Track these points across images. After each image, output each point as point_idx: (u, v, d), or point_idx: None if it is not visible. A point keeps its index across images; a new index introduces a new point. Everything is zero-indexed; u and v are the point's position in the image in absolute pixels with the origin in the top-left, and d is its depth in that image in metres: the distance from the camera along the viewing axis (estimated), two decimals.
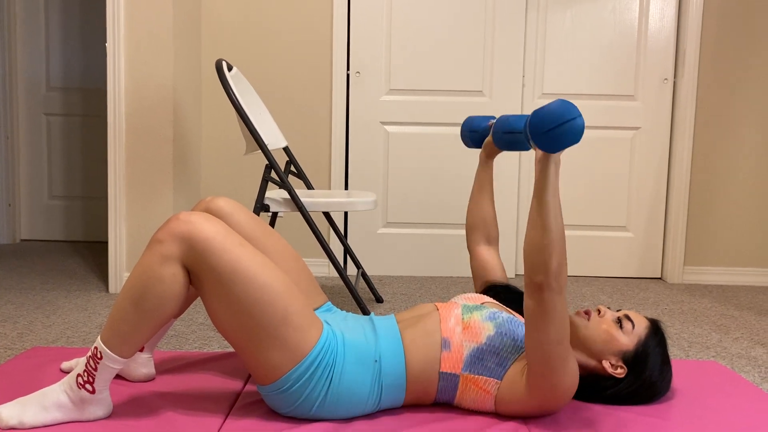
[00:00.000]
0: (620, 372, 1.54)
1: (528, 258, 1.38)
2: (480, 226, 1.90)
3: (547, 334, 1.37)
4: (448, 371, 1.47)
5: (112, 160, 2.79)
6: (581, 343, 1.55)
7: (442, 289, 3.05)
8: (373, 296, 2.82)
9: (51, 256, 3.63)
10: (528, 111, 3.29)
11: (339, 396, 1.44)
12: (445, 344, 1.48)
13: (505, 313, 1.55)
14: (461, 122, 3.28)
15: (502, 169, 3.29)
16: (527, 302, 1.39)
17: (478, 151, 3.30)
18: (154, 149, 2.81)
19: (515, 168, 3.30)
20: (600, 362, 1.55)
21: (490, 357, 1.46)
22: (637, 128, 3.31)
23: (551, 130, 1.33)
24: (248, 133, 2.33)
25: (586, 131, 3.31)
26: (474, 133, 1.90)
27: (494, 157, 1.90)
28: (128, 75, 2.78)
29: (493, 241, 1.90)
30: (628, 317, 1.56)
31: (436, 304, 1.61)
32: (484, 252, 1.88)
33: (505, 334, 1.48)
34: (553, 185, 1.37)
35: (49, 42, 4.02)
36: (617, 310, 1.61)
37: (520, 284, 3.15)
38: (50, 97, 4.05)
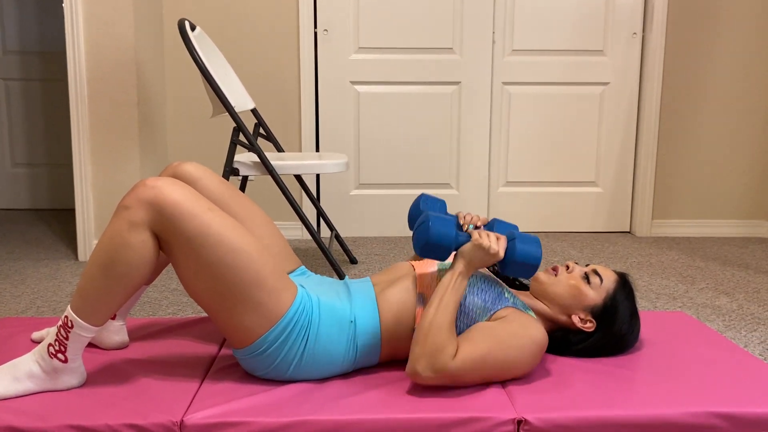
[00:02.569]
0: (589, 326, 1.57)
1: (422, 333, 1.41)
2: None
3: (473, 380, 1.43)
4: None
5: (76, 126, 2.72)
6: (551, 299, 1.58)
7: None
8: (347, 258, 2.82)
9: (16, 225, 3.56)
10: (499, 69, 3.27)
11: (314, 357, 1.45)
12: (420, 300, 1.50)
13: (479, 272, 1.57)
14: (432, 81, 3.25)
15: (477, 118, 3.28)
16: (425, 384, 1.43)
17: (450, 106, 3.28)
18: (119, 113, 2.74)
19: (486, 116, 3.30)
20: (569, 317, 1.58)
21: (460, 317, 1.48)
22: (605, 83, 3.32)
23: (531, 267, 1.47)
24: (214, 95, 2.28)
25: (555, 87, 3.31)
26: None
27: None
28: (87, 37, 2.69)
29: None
30: (596, 272, 1.59)
31: (412, 263, 1.62)
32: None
33: (476, 294, 1.50)
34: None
35: (2, 4, 3.87)
36: (586, 265, 1.64)
37: None
38: (7, 61, 3.92)
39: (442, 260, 1.49)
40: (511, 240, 1.49)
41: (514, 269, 1.48)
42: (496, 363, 1.43)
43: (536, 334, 1.45)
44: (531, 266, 1.47)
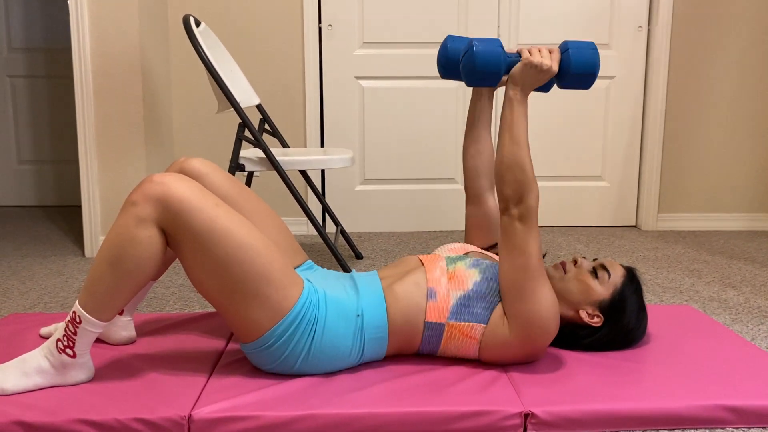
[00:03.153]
0: (597, 321, 1.57)
1: (503, 174, 1.40)
2: (487, 170, 1.73)
3: (519, 253, 1.42)
4: (434, 321, 1.49)
5: (81, 122, 2.73)
6: (559, 294, 1.58)
7: (421, 243, 3.06)
8: (353, 253, 2.83)
9: (23, 222, 3.57)
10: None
11: (322, 351, 1.45)
12: (431, 294, 1.50)
13: (488, 260, 1.57)
14: (437, 75, 3.25)
15: None
16: (501, 220, 1.43)
17: (455, 100, 3.28)
18: (124, 109, 2.75)
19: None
20: (577, 312, 1.57)
21: (477, 302, 1.48)
22: (611, 77, 3.30)
23: (590, 75, 1.37)
24: (219, 91, 2.28)
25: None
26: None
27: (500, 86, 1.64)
28: (92, 33, 2.69)
29: (494, 185, 1.73)
30: (603, 267, 1.58)
31: (420, 257, 1.62)
32: (491, 199, 1.75)
33: (491, 278, 1.50)
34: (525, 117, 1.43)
35: (7, 1, 3.88)
36: (593, 260, 1.64)
37: None
38: (13, 59, 3.93)
39: (493, 85, 1.40)
40: (564, 51, 1.39)
41: (572, 82, 1.39)
42: (539, 267, 1.44)
43: (550, 298, 1.47)
44: (589, 75, 1.38)
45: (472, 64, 1.37)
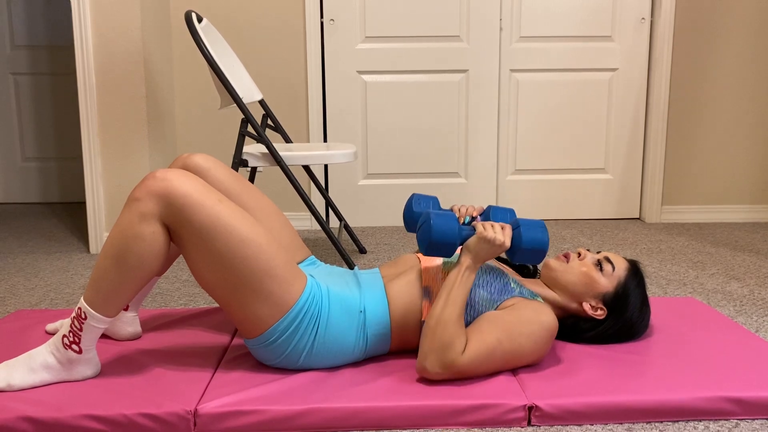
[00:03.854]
0: (600, 314, 1.57)
1: (429, 330, 1.41)
2: None
3: (483, 371, 1.43)
4: None
5: (85, 119, 2.74)
6: (562, 286, 1.58)
7: None
8: (356, 247, 2.83)
9: (28, 218, 3.58)
10: (506, 56, 3.25)
11: (325, 346, 1.46)
12: (426, 293, 1.50)
13: (485, 264, 1.57)
14: (439, 69, 3.24)
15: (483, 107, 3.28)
16: (435, 379, 1.43)
17: (457, 95, 3.27)
18: (127, 106, 2.75)
19: (494, 104, 3.29)
20: (580, 304, 1.57)
21: (467, 310, 1.48)
22: (614, 69, 3.29)
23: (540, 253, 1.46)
24: (222, 86, 2.28)
25: (563, 73, 3.29)
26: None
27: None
28: (95, 30, 2.70)
29: None
30: (607, 259, 1.58)
31: (418, 255, 1.62)
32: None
33: (482, 287, 1.50)
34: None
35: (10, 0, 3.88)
36: (597, 252, 1.64)
37: None
38: (16, 56, 3.93)
39: (448, 257, 1.48)
40: (515, 228, 1.48)
41: (523, 257, 1.47)
42: (506, 353, 1.43)
43: (545, 319, 1.45)
44: (539, 251, 1.46)
45: (428, 235, 1.44)
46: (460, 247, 1.49)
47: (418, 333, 1.52)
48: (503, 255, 1.75)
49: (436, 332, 1.40)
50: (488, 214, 1.63)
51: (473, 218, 1.63)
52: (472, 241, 1.47)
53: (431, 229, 1.44)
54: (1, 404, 1.34)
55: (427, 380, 1.44)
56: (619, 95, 3.32)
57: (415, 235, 2.77)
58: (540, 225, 1.47)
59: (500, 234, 1.46)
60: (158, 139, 2.93)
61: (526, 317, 1.44)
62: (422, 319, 1.50)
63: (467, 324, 1.48)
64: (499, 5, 3.19)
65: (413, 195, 1.68)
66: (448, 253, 1.47)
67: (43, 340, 1.67)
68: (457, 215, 1.61)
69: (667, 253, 2.76)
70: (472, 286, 1.48)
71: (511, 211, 1.65)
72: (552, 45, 3.25)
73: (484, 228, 1.46)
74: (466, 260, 1.46)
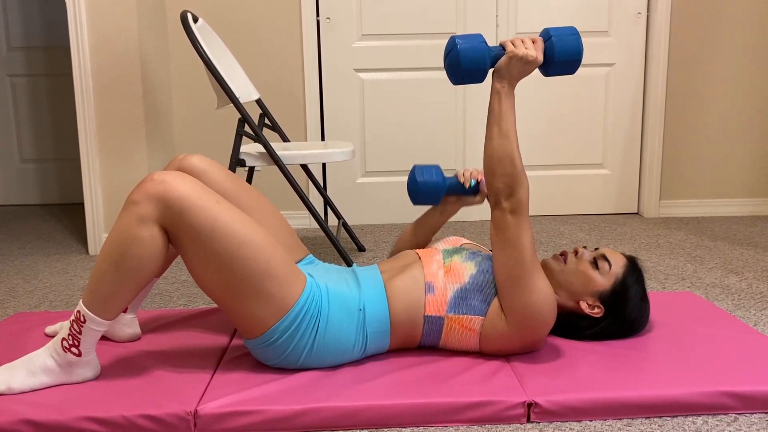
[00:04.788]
0: (597, 312, 1.57)
1: (493, 168, 1.40)
2: (404, 246, 1.80)
3: (512, 246, 1.43)
4: (433, 314, 1.50)
5: (82, 120, 2.73)
6: (559, 285, 1.58)
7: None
8: (355, 246, 2.83)
9: (27, 220, 3.58)
10: None
11: (325, 345, 1.46)
12: (428, 288, 1.50)
13: (483, 252, 1.57)
14: (436, 66, 3.24)
15: (483, 109, 3.28)
16: (493, 215, 1.44)
17: (455, 91, 3.27)
18: (125, 107, 2.75)
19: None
20: (577, 303, 1.57)
21: (474, 295, 1.48)
22: (611, 64, 3.29)
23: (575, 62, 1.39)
24: (219, 86, 2.28)
25: None
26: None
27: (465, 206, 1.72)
28: (91, 30, 2.69)
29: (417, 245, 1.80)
30: (604, 257, 1.58)
31: (417, 251, 1.63)
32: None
33: (487, 270, 1.51)
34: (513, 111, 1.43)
35: (6, 1, 3.87)
36: (594, 249, 1.64)
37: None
38: (12, 58, 3.93)
39: (480, 81, 1.41)
40: (547, 39, 1.40)
41: (558, 69, 1.40)
42: (532, 260, 1.44)
43: (546, 289, 1.47)
44: (574, 61, 1.39)
45: (457, 61, 1.37)
46: (492, 71, 1.42)
47: (421, 329, 1.52)
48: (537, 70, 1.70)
49: (506, 167, 1.38)
50: (551, 44, 1.52)
51: (478, 182, 1.63)
52: (503, 62, 1.40)
53: (459, 54, 1.36)
54: (1, 407, 1.34)
55: (427, 376, 1.44)
56: (616, 90, 3.32)
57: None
58: (572, 32, 1.40)
59: (532, 49, 1.39)
60: (156, 140, 2.92)
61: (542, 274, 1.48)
62: (425, 314, 1.50)
63: (478, 307, 1.49)
64: (495, 1, 3.19)
65: (415, 166, 1.67)
66: (479, 78, 1.39)
67: (42, 343, 1.67)
68: (462, 180, 1.62)
69: (666, 247, 2.76)
70: (474, 266, 1.50)
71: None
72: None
73: (514, 45, 1.40)
74: (502, 85, 1.40)
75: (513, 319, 1.46)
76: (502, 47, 1.42)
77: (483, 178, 1.63)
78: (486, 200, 1.63)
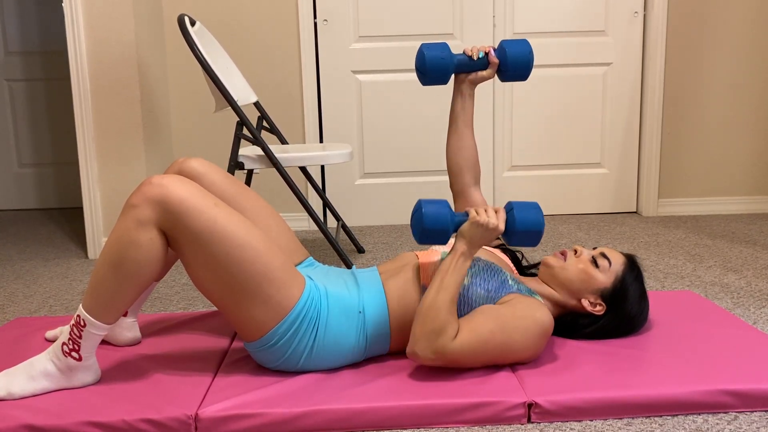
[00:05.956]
0: (599, 309, 1.57)
1: (421, 314, 1.41)
2: (469, 166, 1.78)
3: (473, 363, 1.44)
4: None
5: (80, 124, 2.73)
6: (559, 283, 1.58)
7: None
8: (354, 247, 2.84)
9: (26, 225, 3.58)
10: None
11: (325, 348, 1.46)
12: (424, 290, 1.50)
13: (483, 260, 1.57)
14: None
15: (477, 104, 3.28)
16: (423, 361, 1.43)
17: (451, 93, 3.27)
18: (123, 111, 2.75)
19: (489, 101, 3.29)
20: (579, 301, 1.58)
21: (463, 307, 1.49)
22: (608, 64, 3.30)
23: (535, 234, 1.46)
24: (216, 89, 2.28)
25: (557, 69, 3.29)
26: (443, 67, 1.67)
27: (478, 83, 1.73)
28: (88, 34, 2.69)
29: (479, 181, 1.81)
30: (604, 255, 1.59)
31: (417, 252, 1.63)
32: (477, 195, 1.78)
33: (479, 284, 1.50)
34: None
35: (3, 5, 3.87)
36: (593, 248, 1.64)
37: None
38: (9, 63, 3.93)
39: (443, 244, 1.48)
40: (509, 211, 1.46)
41: (519, 239, 1.45)
42: (498, 346, 1.43)
43: (541, 317, 1.45)
44: (535, 233, 1.45)
45: (420, 224, 1.44)
46: (455, 234, 1.49)
47: None
48: (500, 239, 1.75)
49: (429, 317, 1.40)
50: (503, 49, 1.65)
51: (486, 53, 1.67)
52: (465, 226, 1.46)
53: (423, 216, 1.44)
54: (1, 413, 1.34)
55: (427, 378, 1.45)
56: (614, 90, 3.32)
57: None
58: (534, 206, 1.46)
59: (493, 218, 1.44)
60: (154, 143, 2.93)
61: (520, 312, 1.45)
62: None
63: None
64: (492, 2, 3.19)
65: (423, 44, 1.68)
66: (442, 240, 1.46)
67: (42, 348, 1.67)
68: (469, 54, 1.65)
69: (665, 246, 2.76)
70: (467, 280, 1.49)
71: (525, 42, 1.65)
72: (546, 40, 3.25)
73: (477, 213, 1.45)
74: (460, 246, 1.45)
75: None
76: (466, 214, 1.48)
77: (491, 50, 1.67)
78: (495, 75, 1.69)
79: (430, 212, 1.44)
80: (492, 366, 1.49)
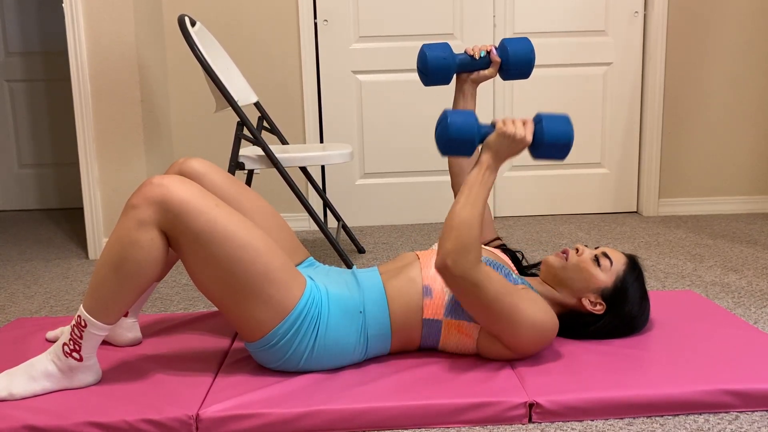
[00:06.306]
0: (599, 309, 1.57)
1: (449, 229, 1.39)
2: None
3: (478, 307, 1.41)
4: (431, 317, 1.50)
5: (80, 125, 2.73)
6: (561, 282, 1.58)
7: (422, 236, 3.07)
8: (355, 247, 2.84)
9: (26, 225, 3.58)
10: None
11: (326, 348, 1.46)
12: (426, 292, 1.51)
13: (484, 256, 1.57)
14: None
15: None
16: (444, 278, 1.41)
17: (452, 93, 3.27)
18: (123, 111, 2.75)
19: (490, 101, 3.29)
20: (579, 300, 1.58)
21: None
22: (608, 64, 3.30)
23: (563, 146, 1.40)
24: (217, 90, 2.28)
25: (558, 69, 3.29)
26: (444, 68, 1.67)
27: (480, 83, 1.74)
28: (88, 35, 2.69)
29: None
30: (605, 254, 1.59)
31: (417, 253, 1.63)
32: None
33: None
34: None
35: (3, 6, 3.88)
36: (595, 248, 1.64)
37: (498, 225, 3.19)
38: (10, 63, 3.93)
39: (468, 155, 1.43)
40: (537, 122, 1.42)
41: (547, 152, 1.41)
42: (506, 307, 1.41)
43: (549, 314, 1.46)
44: (564, 145, 1.40)
45: (446, 133, 1.40)
46: (480, 146, 1.44)
47: (419, 331, 1.52)
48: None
49: (461, 231, 1.37)
50: (505, 47, 1.64)
51: (488, 52, 1.66)
52: (492, 137, 1.42)
53: (448, 126, 1.39)
54: (2, 413, 1.34)
55: (428, 378, 1.45)
56: (614, 89, 3.32)
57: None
58: (563, 118, 1.41)
59: (521, 129, 1.40)
60: (154, 144, 2.93)
61: (533, 297, 1.46)
62: (423, 317, 1.50)
63: (469, 315, 1.48)
64: (492, 2, 3.19)
65: (424, 45, 1.67)
66: (467, 151, 1.42)
67: (43, 348, 1.67)
68: (471, 53, 1.64)
69: (665, 246, 2.76)
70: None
71: (526, 40, 1.65)
72: (546, 40, 3.25)
73: (504, 123, 1.41)
74: (486, 159, 1.41)
75: (508, 344, 1.48)
76: (493, 125, 1.45)
77: (493, 49, 1.66)
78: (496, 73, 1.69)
79: (456, 121, 1.39)
80: (492, 366, 1.49)
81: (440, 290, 1.50)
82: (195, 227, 1.35)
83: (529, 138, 1.41)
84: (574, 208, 3.42)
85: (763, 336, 1.66)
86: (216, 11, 3.12)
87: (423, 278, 1.52)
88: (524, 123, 1.42)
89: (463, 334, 1.50)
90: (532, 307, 1.44)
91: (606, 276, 1.57)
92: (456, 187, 1.82)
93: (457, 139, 1.39)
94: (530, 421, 1.35)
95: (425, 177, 3.33)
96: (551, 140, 1.39)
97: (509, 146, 1.41)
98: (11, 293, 2.36)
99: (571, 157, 3.37)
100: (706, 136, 3.34)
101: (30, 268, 2.70)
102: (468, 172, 1.73)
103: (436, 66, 1.64)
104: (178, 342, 1.71)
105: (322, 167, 3.30)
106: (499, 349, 1.50)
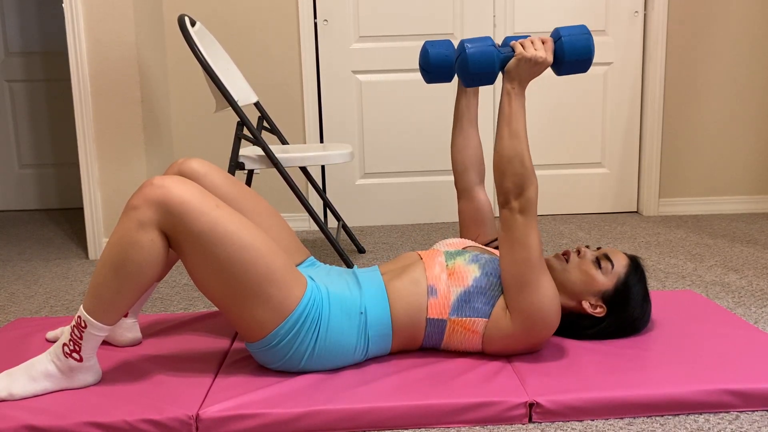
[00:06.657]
0: (599, 311, 1.57)
1: (503, 167, 1.40)
2: (474, 164, 1.77)
3: (520, 246, 1.43)
4: (436, 317, 1.50)
5: (80, 125, 2.73)
6: (561, 285, 1.58)
7: (423, 236, 3.07)
8: (355, 247, 2.83)
9: (26, 225, 3.58)
10: None
11: (326, 348, 1.46)
12: (431, 291, 1.50)
13: (486, 255, 1.57)
14: None
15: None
16: (501, 214, 1.44)
17: (453, 92, 3.27)
18: (123, 111, 2.75)
19: (490, 103, 3.29)
20: (579, 303, 1.57)
21: (477, 297, 1.48)
22: (608, 63, 3.30)
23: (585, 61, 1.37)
24: (217, 90, 2.28)
25: None
26: (444, 65, 1.64)
27: None
28: (88, 35, 2.69)
29: (483, 178, 1.81)
30: (607, 257, 1.58)
31: (419, 252, 1.62)
32: (481, 193, 1.79)
33: (491, 273, 1.51)
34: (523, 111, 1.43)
35: (3, 5, 3.88)
36: (597, 249, 1.64)
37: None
38: (10, 63, 3.93)
39: (490, 83, 1.42)
40: (557, 39, 1.40)
41: (569, 69, 1.40)
42: (534, 266, 1.43)
43: (552, 289, 1.48)
44: (585, 60, 1.38)
45: (465, 66, 1.38)
46: (502, 73, 1.43)
47: (423, 331, 1.52)
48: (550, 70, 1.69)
49: (515, 167, 1.38)
50: (559, 37, 1.57)
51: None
52: (512, 63, 1.40)
53: (468, 59, 1.37)
54: (2, 413, 1.34)
55: (428, 378, 1.45)
56: (615, 89, 3.32)
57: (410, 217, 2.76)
58: (582, 31, 1.39)
59: (541, 50, 1.39)
60: (154, 144, 2.93)
61: (550, 281, 1.48)
62: (428, 316, 1.50)
63: (482, 310, 1.49)
64: (492, 1, 3.19)
65: (426, 42, 1.65)
66: (489, 80, 1.40)
67: (43, 348, 1.67)
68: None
69: (665, 245, 2.76)
70: (477, 269, 1.50)
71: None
72: None
73: (523, 47, 1.39)
74: (512, 87, 1.40)
75: (519, 318, 1.46)
76: (512, 49, 1.43)
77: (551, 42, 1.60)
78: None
79: (475, 54, 1.37)
80: (492, 366, 1.49)
81: (445, 289, 1.50)
82: (195, 228, 1.35)
83: (551, 58, 1.40)
84: (574, 208, 3.42)
85: (764, 336, 1.66)
86: (216, 11, 3.12)
87: (427, 278, 1.52)
88: (544, 42, 1.40)
89: (469, 331, 1.50)
90: (551, 281, 1.48)
91: (607, 279, 1.56)
92: (460, 184, 1.81)
93: (479, 72, 1.37)
94: (530, 421, 1.35)
95: (425, 177, 3.33)
96: (573, 57, 1.38)
97: (531, 69, 1.40)
98: (11, 293, 2.36)
99: (571, 157, 3.37)
100: (706, 135, 3.34)
101: (30, 268, 2.70)
102: (457, 101, 1.76)
103: (438, 63, 1.63)
104: (178, 342, 1.71)
105: (322, 167, 3.30)
106: (506, 340, 1.49)
